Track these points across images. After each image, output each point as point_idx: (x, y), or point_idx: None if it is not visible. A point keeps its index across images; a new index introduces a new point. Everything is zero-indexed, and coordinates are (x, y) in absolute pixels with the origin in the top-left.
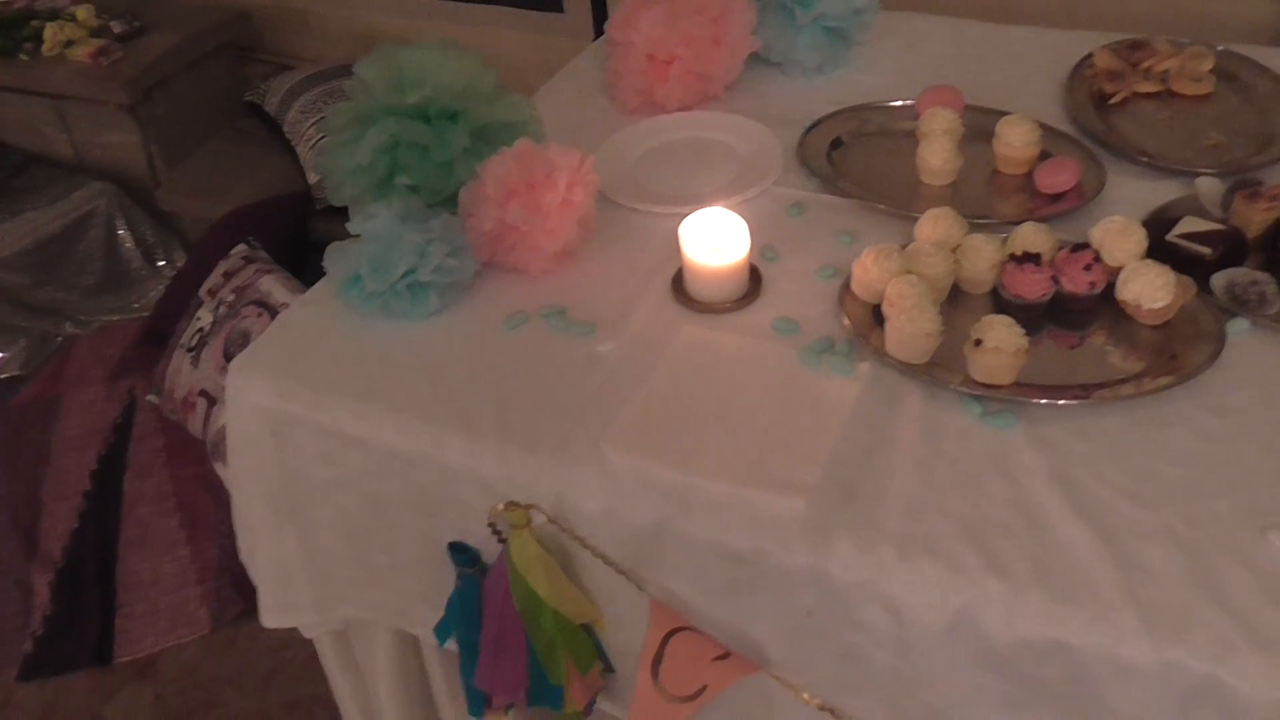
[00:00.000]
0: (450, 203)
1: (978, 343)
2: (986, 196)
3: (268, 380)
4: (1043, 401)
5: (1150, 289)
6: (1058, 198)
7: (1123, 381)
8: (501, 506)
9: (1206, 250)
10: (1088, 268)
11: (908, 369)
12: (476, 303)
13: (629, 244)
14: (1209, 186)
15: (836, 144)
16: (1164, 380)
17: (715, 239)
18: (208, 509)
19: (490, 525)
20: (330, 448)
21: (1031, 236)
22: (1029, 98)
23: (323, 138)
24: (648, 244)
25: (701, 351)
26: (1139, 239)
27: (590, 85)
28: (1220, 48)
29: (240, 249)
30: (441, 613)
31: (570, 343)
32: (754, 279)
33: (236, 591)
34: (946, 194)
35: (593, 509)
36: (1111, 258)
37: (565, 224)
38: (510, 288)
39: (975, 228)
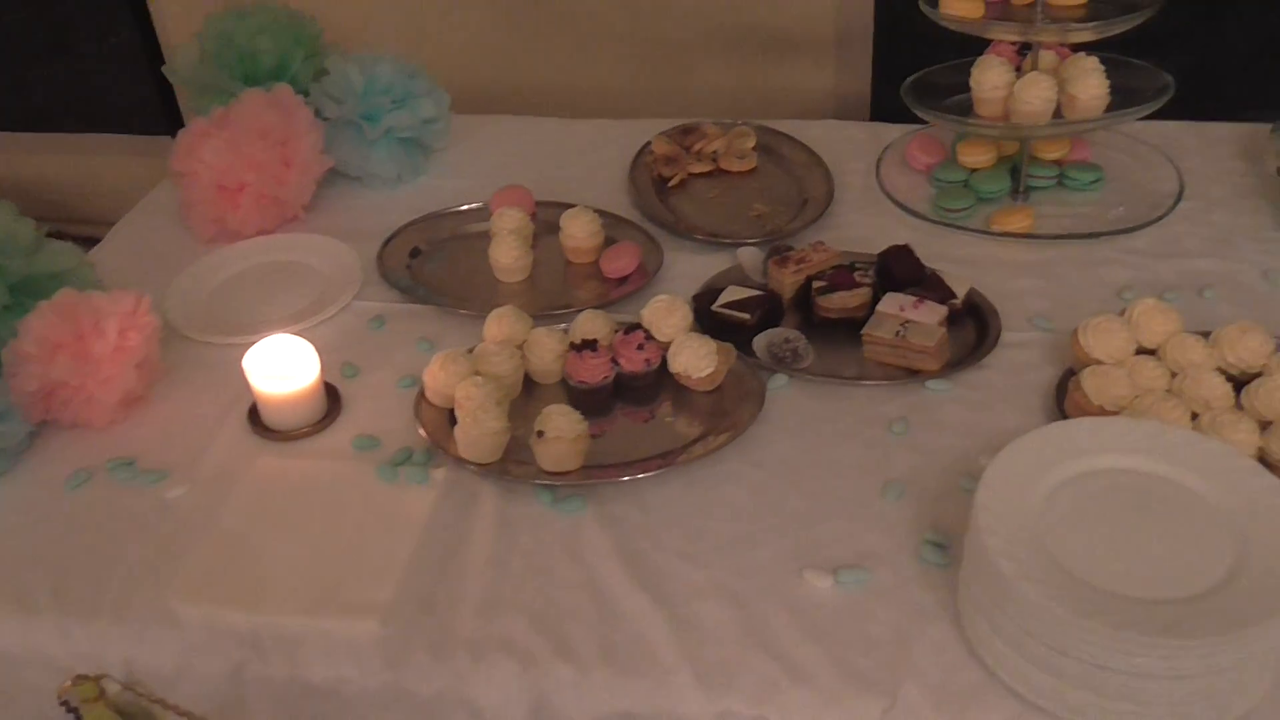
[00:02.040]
0: None
1: (540, 434)
2: (562, 287)
3: None
4: (618, 479)
5: (695, 359)
6: (624, 281)
7: (670, 452)
8: (69, 682)
9: (746, 316)
10: (640, 347)
11: (482, 469)
12: (35, 466)
13: (205, 380)
14: (749, 255)
15: (415, 253)
16: (719, 440)
17: (283, 366)
18: None
19: (62, 704)
20: None
21: (589, 324)
22: (598, 188)
23: None
24: (225, 377)
25: (276, 482)
26: (683, 314)
27: (168, 216)
28: (758, 124)
29: None
30: None
31: (139, 493)
32: (332, 399)
33: None
34: (523, 289)
35: (167, 668)
36: (661, 334)
37: (122, 371)
38: (74, 444)
39: (551, 319)
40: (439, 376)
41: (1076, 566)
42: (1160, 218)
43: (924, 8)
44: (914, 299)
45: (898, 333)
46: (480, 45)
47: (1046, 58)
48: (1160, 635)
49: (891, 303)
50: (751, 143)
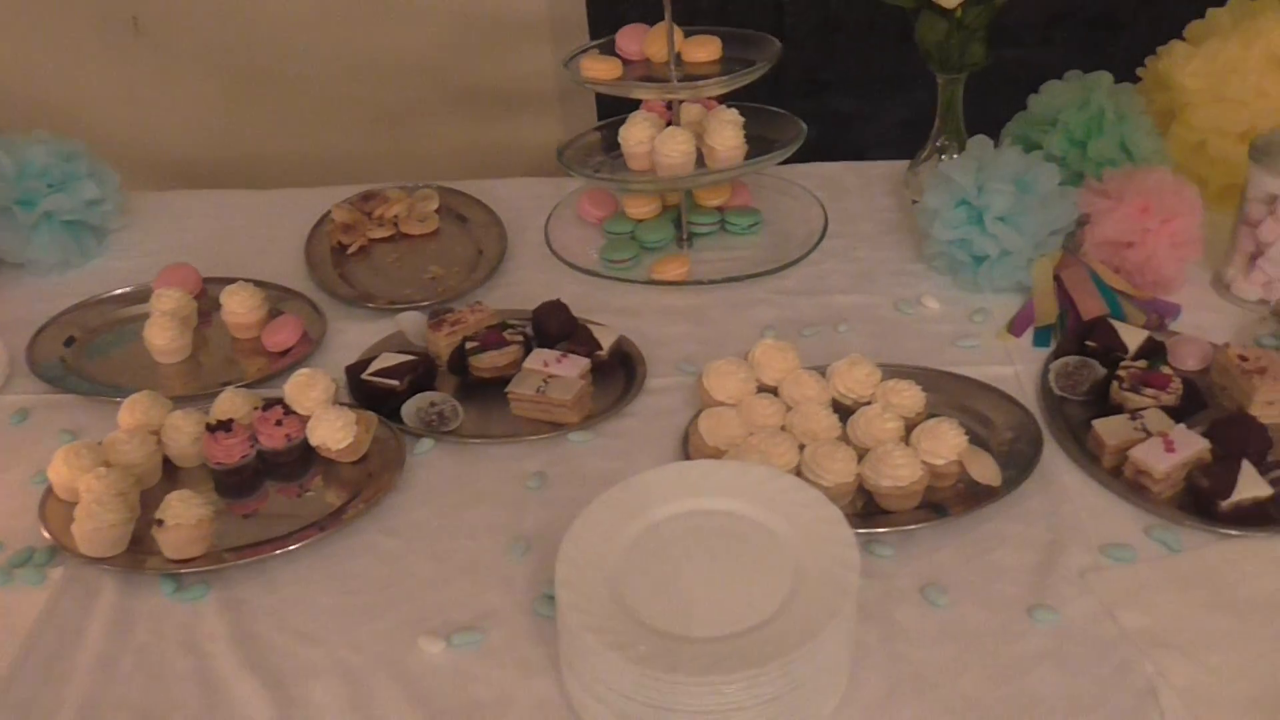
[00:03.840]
0: None
1: (160, 522)
2: (227, 364)
3: None
4: (241, 561)
5: (332, 431)
6: (286, 354)
7: (298, 530)
8: None
9: (395, 382)
10: (279, 422)
11: (105, 563)
12: None
13: None
14: (410, 320)
15: (70, 341)
16: (353, 512)
17: None
18: None
19: None
20: None
21: (229, 403)
22: (277, 259)
23: None
24: None
25: None
26: (324, 386)
27: None
28: (441, 186)
29: None
30: None
31: None
32: None
33: None
34: (184, 370)
35: None
36: (302, 408)
37: None
38: None
39: (212, 396)
40: (62, 471)
41: (646, 613)
42: (802, 258)
43: (567, 70)
44: (558, 354)
45: (539, 388)
46: (201, 117)
47: (692, 111)
48: (704, 673)
49: (536, 359)
50: (434, 205)
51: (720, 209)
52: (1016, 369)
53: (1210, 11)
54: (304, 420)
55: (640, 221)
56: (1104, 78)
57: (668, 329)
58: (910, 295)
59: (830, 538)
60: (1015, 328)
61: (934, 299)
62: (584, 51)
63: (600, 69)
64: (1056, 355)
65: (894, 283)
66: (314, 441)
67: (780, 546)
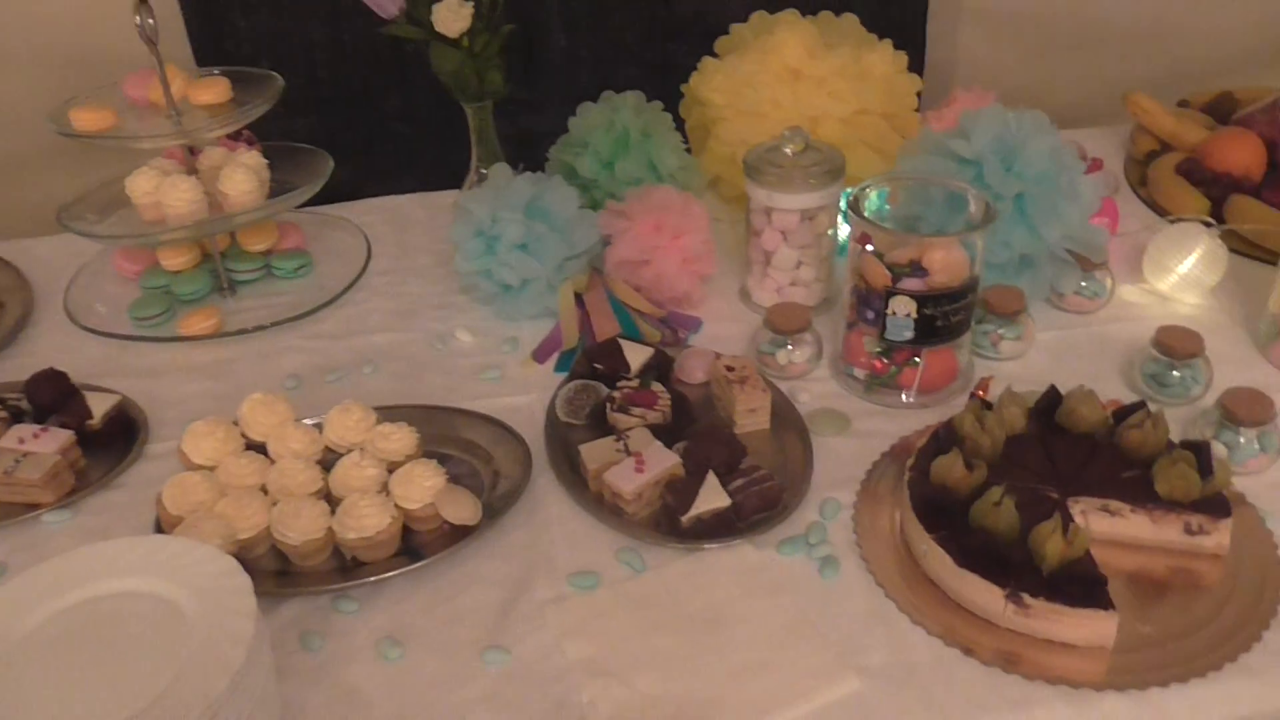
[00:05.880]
0: None
1: None
2: None
3: None
4: None
5: None
6: None
7: None
8: None
9: None
10: None
11: None
12: None
13: None
14: None
15: None
16: None
17: None
18: None
19: None
20: None
21: None
22: None
23: None
24: None
25: None
26: None
27: None
28: None
29: None
30: None
31: None
32: None
33: None
34: None
35: None
36: None
37: None
38: None
39: None
40: None
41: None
42: (334, 299)
43: (51, 122)
44: (36, 429)
45: (7, 468)
46: None
47: (215, 155)
48: None
49: (11, 435)
50: None
51: (267, 253)
52: (532, 398)
53: (734, 27)
54: None
55: (177, 273)
56: (630, 97)
57: (187, 387)
58: (448, 329)
59: (231, 610)
60: (539, 354)
61: (468, 331)
62: (75, 100)
63: (90, 119)
64: (570, 379)
65: (434, 317)
66: None
67: (185, 626)
